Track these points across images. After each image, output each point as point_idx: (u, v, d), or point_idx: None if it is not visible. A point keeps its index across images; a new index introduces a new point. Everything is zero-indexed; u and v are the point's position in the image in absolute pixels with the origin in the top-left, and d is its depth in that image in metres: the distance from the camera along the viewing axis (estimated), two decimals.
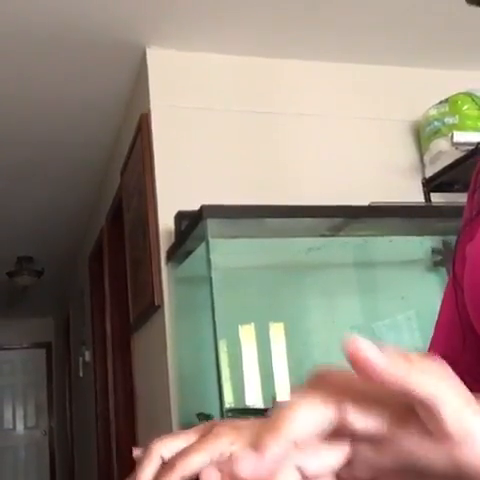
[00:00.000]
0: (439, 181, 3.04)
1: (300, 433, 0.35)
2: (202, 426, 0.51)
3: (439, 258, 2.86)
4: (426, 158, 3.14)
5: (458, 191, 2.90)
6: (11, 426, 9.37)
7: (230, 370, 2.49)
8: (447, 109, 3.01)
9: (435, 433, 0.35)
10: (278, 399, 2.51)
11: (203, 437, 0.47)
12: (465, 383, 0.83)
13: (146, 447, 0.49)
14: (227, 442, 0.46)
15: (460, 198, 2.78)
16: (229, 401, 2.33)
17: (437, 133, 3.03)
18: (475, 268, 0.73)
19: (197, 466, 0.42)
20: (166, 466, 0.43)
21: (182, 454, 0.43)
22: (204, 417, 2.41)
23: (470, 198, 0.83)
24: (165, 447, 0.50)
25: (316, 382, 0.38)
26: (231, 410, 2.27)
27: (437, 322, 0.85)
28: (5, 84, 3.26)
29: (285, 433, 0.34)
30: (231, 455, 0.46)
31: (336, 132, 3.17)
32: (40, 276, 6.62)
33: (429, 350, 0.86)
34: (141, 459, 0.47)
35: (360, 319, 2.89)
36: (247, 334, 2.67)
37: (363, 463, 0.37)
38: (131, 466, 0.50)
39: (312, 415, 0.35)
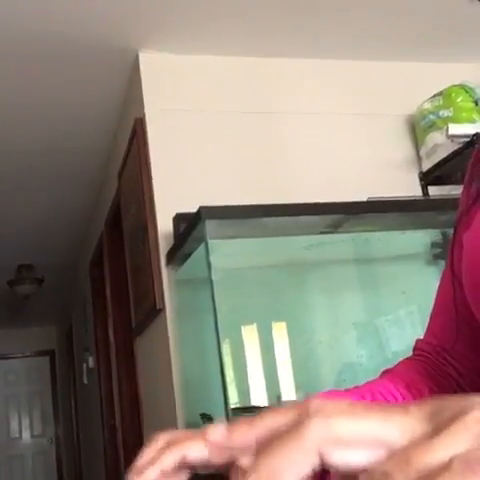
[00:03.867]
0: (436, 174, 3.04)
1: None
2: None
3: (439, 251, 2.86)
4: (422, 152, 3.14)
5: (455, 183, 2.90)
6: (17, 435, 9.37)
7: (234, 370, 2.49)
8: (441, 102, 3.01)
9: None
10: (283, 397, 2.51)
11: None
12: (457, 372, 0.84)
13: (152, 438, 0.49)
14: None
15: (458, 190, 2.78)
16: (234, 401, 2.33)
17: (432, 126, 3.03)
18: (472, 255, 0.74)
19: (197, 451, 0.41)
20: (167, 443, 0.42)
21: (185, 437, 0.42)
22: (206, 418, 2.41)
23: (466, 188, 0.83)
24: (169, 439, 0.50)
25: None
26: (236, 409, 2.27)
27: (432, 311, 0.86)
28: None
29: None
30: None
31: (331, 129, 3.17)
32: (41, 284, 6.61)
33: (424, 338, 0.87)
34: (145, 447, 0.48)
35: (362, 315, 2.89)
36: (250, 334, 2.67)
37: None
38: None
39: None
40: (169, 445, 0.42)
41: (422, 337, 0.88)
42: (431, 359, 0.83)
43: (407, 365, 0.84)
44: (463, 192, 0.84)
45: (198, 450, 0.40)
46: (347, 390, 0.76)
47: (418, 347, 0.87)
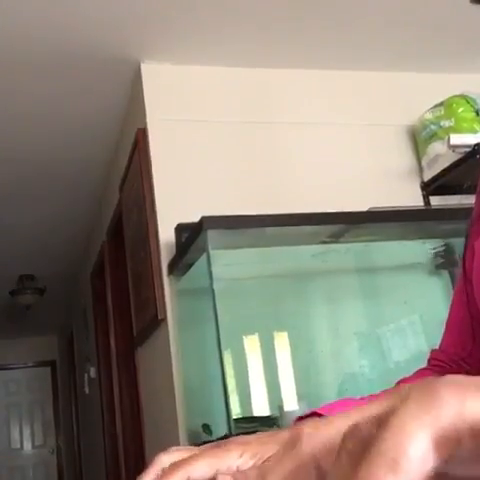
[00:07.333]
0: (438, 184, 3.05)
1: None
2: (210, 445, 0.52)
3: (441, 261, 2.86)
4: (424, 162, 3.14)
5: (457, 193, 2.90)
6: (19, 445, 9.33)
7: (236, 380, 2.49)
8: (442, 112, 3.02)
9: None
10: (284, 407, 2.51)
11: (211, 449, 0.48)
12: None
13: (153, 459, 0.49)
14: (235, 455, 0.46)
15: (459, 200, 2.78)
16: (236, 411, 2.33)
17: (434, 137, 3.04)
18: None
19: (202, 470, 0.42)
20: (171, 465, 0.43)
21: (189, 458, 0.43)
22: (207, 428, 2.41)
23: (478, 195, 0.83)
24: (170, 459, 0.50)
25: None
26: (238, 419, 2.27)
27: (447, 321, 0.86)
28: (0, 101, 3.27)
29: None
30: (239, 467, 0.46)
31: (332, 139, 3.18)
32: (42, 294, 6.61)
33: (440, 347, 0.86)
34: (147, 467, 0.48)
35: (364, 325, 2.88)
36: (251, 344, 2.66)
37: None
38: None
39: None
40: (174, 466, 0.43)
41: (437, 347, 0.87)
42: (447, 368, 0.82)
43: (423, 375, 0.84)
44: (476, 199, 0.84)
45: (203, 471, 0.41)
46: (363, 398, 0.75)
47: (433, 357, 0.86)
